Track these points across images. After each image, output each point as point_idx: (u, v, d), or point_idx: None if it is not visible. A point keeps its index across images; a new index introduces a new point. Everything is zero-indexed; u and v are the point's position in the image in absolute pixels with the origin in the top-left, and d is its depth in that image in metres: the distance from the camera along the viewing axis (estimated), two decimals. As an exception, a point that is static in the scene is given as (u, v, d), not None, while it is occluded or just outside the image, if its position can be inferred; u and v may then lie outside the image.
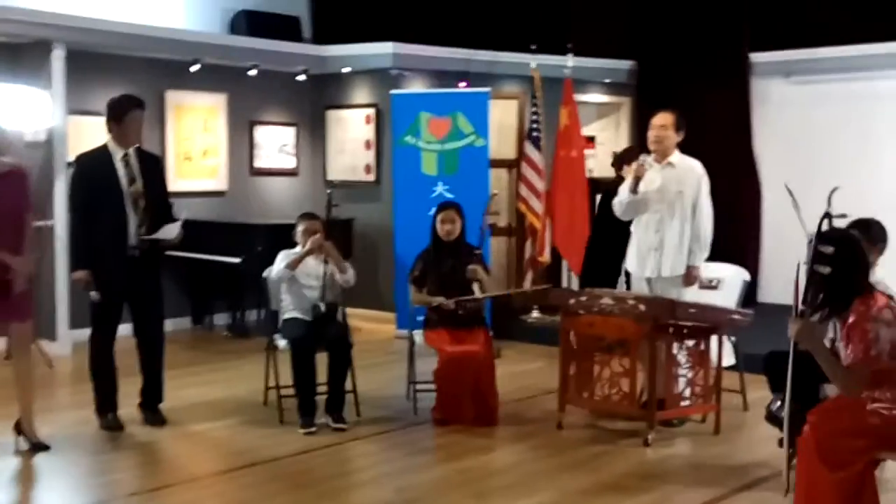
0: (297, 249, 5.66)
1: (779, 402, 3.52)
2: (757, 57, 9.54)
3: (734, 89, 9.51)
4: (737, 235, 8.52)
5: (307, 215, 5.82)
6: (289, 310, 5.61)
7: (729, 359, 5.65)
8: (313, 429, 5.25)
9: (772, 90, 9.63)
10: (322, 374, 5.40)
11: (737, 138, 9.43)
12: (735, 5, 9.49)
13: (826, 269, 3.51)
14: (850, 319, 3.50)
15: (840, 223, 4.50)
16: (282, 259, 5.60)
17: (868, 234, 4.49)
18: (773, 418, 3.50)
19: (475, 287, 5.63)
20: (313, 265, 5.61)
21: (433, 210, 7.91)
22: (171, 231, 5.28)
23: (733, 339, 5.78)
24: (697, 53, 9.58)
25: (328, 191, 5.82)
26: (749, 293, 6.29)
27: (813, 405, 3.99)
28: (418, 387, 5.78)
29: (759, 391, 5.31)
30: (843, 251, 3.57)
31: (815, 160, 9.14)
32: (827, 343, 3.62)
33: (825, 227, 3.65)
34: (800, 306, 3.59)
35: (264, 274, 5.75)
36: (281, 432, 5.29)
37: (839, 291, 3.56)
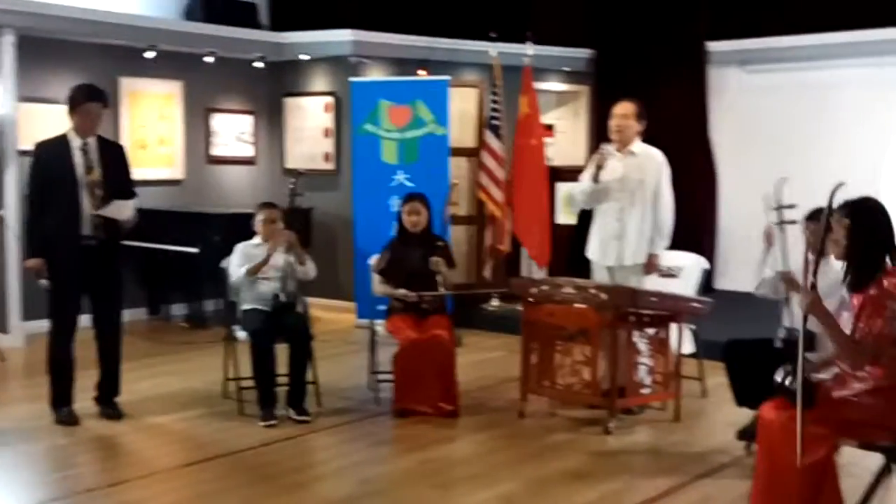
0: (255, 241, 5.60)
1: (786, 375, 3.52)
2: (714, 46, 9.61)
3: (691, 78, 9.58)
4: (694, 223, 8.58)
5: (266, 204, 5.74)
6: (248, 301, 5.54)
7: (688, 346, 5.70)
8: (273, 421, 5.20)
9: (728, 79, 9.71)
10: (283, 366, 5.34)
11: (694, 127, 9.50)
12: (692, -6, 9.56)
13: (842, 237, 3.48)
14: (872, 292, 3.46)
15: (792, 213, 4.57)
16: (239, 254, 5.52)
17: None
18: (783, 390, 3.49)
19: (438, 279, 5.60)
20: (273, 255, 5.54)
21: (393, 199, 7.96)
22: (121, 209, 5.16)
23: (692, 326, 5.83)
24: (655, 42, 9.62)
25: (292, 179, 5.74)
26: (706, 281, 6.35)
27: (771, 393, 4.04)
28: (380, 377, 5.76)
29: (718, 378, 5.36)
30: (868, 218, 3.53)
31: (770, 148, 9.25)
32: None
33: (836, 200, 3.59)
34: (809, 279, 3.55)
35: (222, 264, 5.67)
36: (241, 425, 5.23)
37: (867, 262, 3.50)
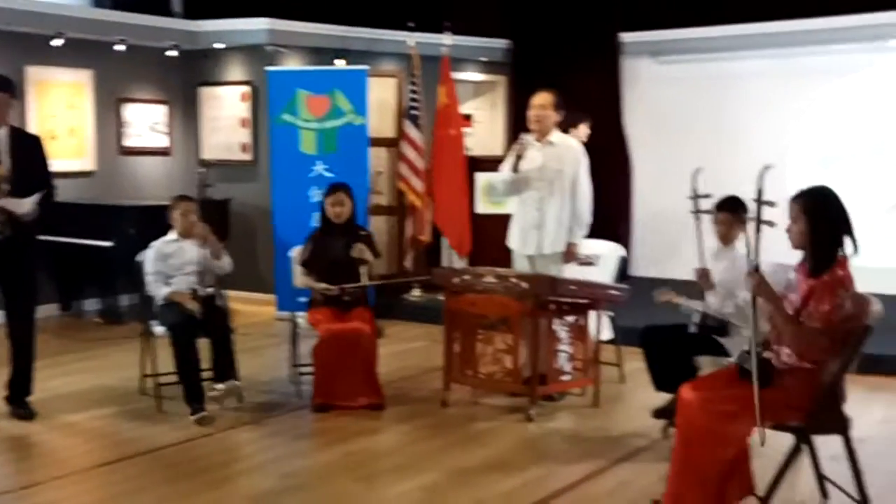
0: (171, 236, 5.51)
1: (744, 353, 3.62)
2: (626, 37, 9.78)
3: (605, 69, 9.74)
4: (610, 212, 8.73)
5: (182, 197, 5.64)
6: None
7: (606, 333, 5.81)
8: (204, 413, 5.11)
9: (640, 70, 9.91)
10: (205, 361, 5.26)
11: (608, 117, 9.65)
12: (606, -15, 9.70)
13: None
14: (825, 278, 3.53)
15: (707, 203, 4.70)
16: (154, 254, 5.42)
17: (738, 209, 4.70)
18: (740, 370, 3.58)
19: (362, 270, 5.58)
20: (190, 250, 5.45)
21: (313, 189, 7.89)
22: (20, 204, 4.95)
23: (610, 313, 5.94)
24: (570, 33, 9.75)
25: (200, 171, 5.65)
26: (623, 268, 6.47)
27: (688, 377, 4.15)
28: (302, 370, 5.72)
29: (635, 363, 5.49)
30: (826, 207, 3.59)
31: (682, 138, 9.48)
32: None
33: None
34: (752, 260, 3.60)
35: (138, 258, 5.55)
36: (159, 421, 5.14)
37: (825, 250, 3.57)
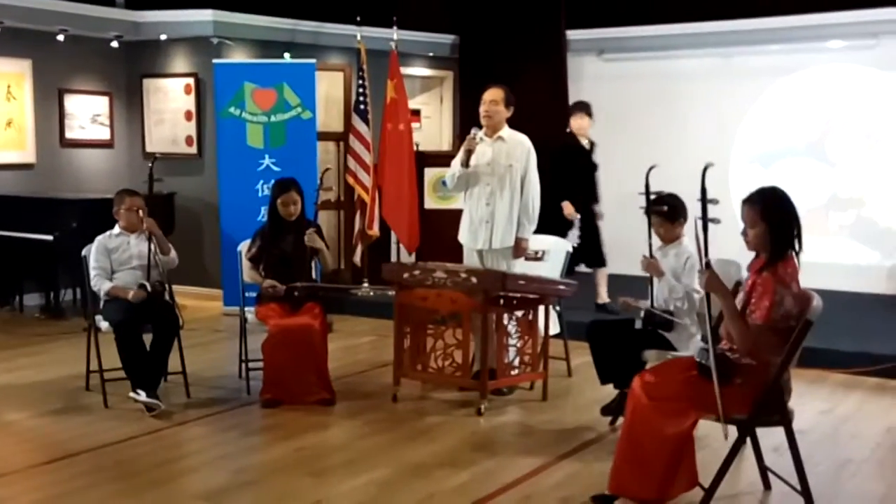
0: (115, 231, 5.44)
1: (703, 350, 3.68)
2: (572, 34, 9.87)
3: (551, 65, 9.81)
4: (555, 208, 8.82)
5: (127, 192, 5.56)
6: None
7: (554, 327, 5.87)
8: (155, 399, 5.07)
9: (586, 67, 10.02)
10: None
11: (554, 113, 9.72)
12: (552, -18, 9.77)
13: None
14: (765, 274, 3.61)
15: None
16: (97, 249, 5.35)
17: (669, 214, 4.79)
18: (700, 366, 3.66)
19: (312, 264, 5.56)
20: (135, 244, 5.38)
21: (261, 183, 7.83)
22: None
23: (558, 308, 6.01)
24: (516, 29, 9.81)
25: (150, 163, 5.56)
26: (570, 263, 6.55)
27: (633, 371, 4.23)
28: (251, 365, 5.68)
29: (583, 357, 5.56)
30: (784, 210, 3.67)
31: (626, 136, 9.59)
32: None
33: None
34: (704, 258, 3.67)
35: (84, 252, 5.46)
36: (105, 418, 5.06)
37: (780, 248, 3.64)
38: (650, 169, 4.62)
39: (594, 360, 4.97)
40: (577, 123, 7.76)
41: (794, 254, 3.67)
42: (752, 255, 3.85)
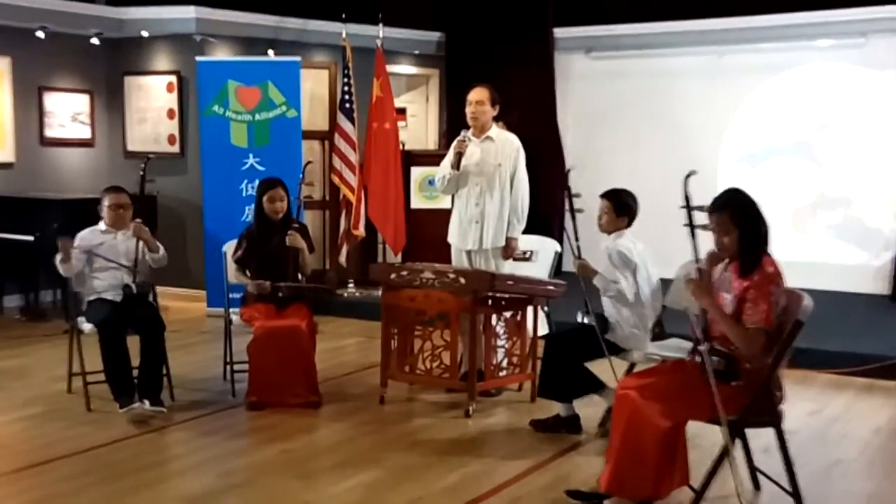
0: (100, 226, 5.35)
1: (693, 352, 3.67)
2: (560, 32, 9.84)
3: (539, 64, 9.78)
4: (545, 208, 8.80)
5: (114, 189, 5.48)
6: (94, 291, 5.27)
7: (542, 328, 5.84)
8: (135, 405, 4.98)
9: (573, 65, 9.99)
10: (134, 359, 5.12)
11: (541, 111, 9.72)
12: (539, -20, 9.74)
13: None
14: (756, 278, 3.59)
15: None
16: (78, 241, 5.25)
17: (627, 202, 4.77)
18: (701, 367, 3.65)
19: (299, 262, 5.50)
20: (123, 244, 5.30)
21: (245, 183, 7.76)
22: None
23: (546, 308, 5.97)
24: (503, 27, 9.77)
25: (142, 163, 5.48)
26: (558, 263, 6.52)
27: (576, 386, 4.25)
28: (236, 367, 5.61)
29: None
30: (752, 212, 3.66)
31: (614, 134, 9.60)
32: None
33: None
34: (696, 267, 3.66)
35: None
36: (88, 421, 4.99)
37: (754, 250, 3.64)
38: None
39: (541, 373, 4.93)
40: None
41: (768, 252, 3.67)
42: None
